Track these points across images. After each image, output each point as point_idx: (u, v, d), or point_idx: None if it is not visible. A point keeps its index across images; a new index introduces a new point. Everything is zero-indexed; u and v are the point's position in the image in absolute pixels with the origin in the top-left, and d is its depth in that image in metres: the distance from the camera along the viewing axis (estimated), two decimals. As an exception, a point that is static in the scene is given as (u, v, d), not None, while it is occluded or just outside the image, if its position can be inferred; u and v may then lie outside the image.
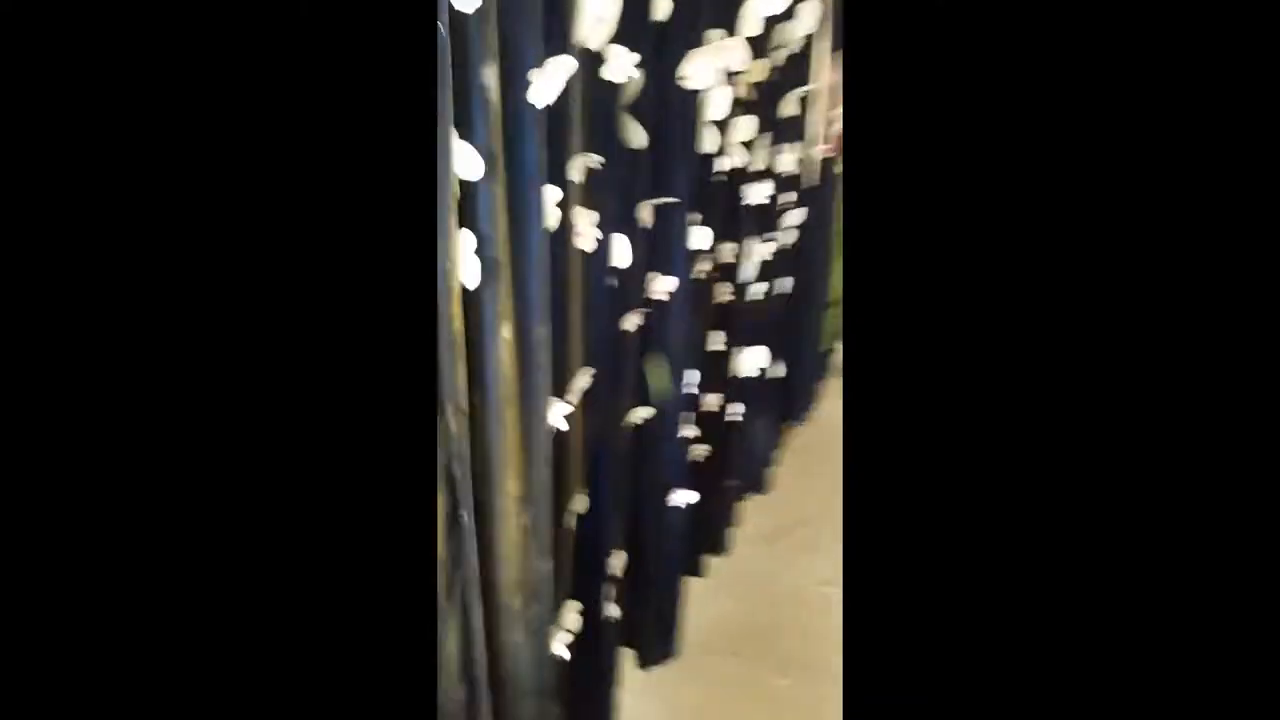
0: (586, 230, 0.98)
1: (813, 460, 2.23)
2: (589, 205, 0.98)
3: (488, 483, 0.85)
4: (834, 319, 2.68)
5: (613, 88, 0.97)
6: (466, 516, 0.80)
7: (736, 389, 1.70)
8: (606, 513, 1.13)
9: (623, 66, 0.94)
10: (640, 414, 1.25)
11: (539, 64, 0.78)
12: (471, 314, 0.79)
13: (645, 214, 1.12)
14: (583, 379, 1.02)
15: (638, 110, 1.03)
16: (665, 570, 1.41)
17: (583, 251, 0.99)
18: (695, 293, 1.33)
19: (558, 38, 0.83)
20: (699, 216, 1.26)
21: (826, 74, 2.01)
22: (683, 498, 1.39)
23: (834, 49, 2.00)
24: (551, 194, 0.88)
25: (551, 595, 1.00)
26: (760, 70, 1.50)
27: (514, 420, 0.87)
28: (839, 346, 2.96)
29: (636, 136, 1.04)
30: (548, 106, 0.81)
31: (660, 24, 1.06)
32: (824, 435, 2.37)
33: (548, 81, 0.80)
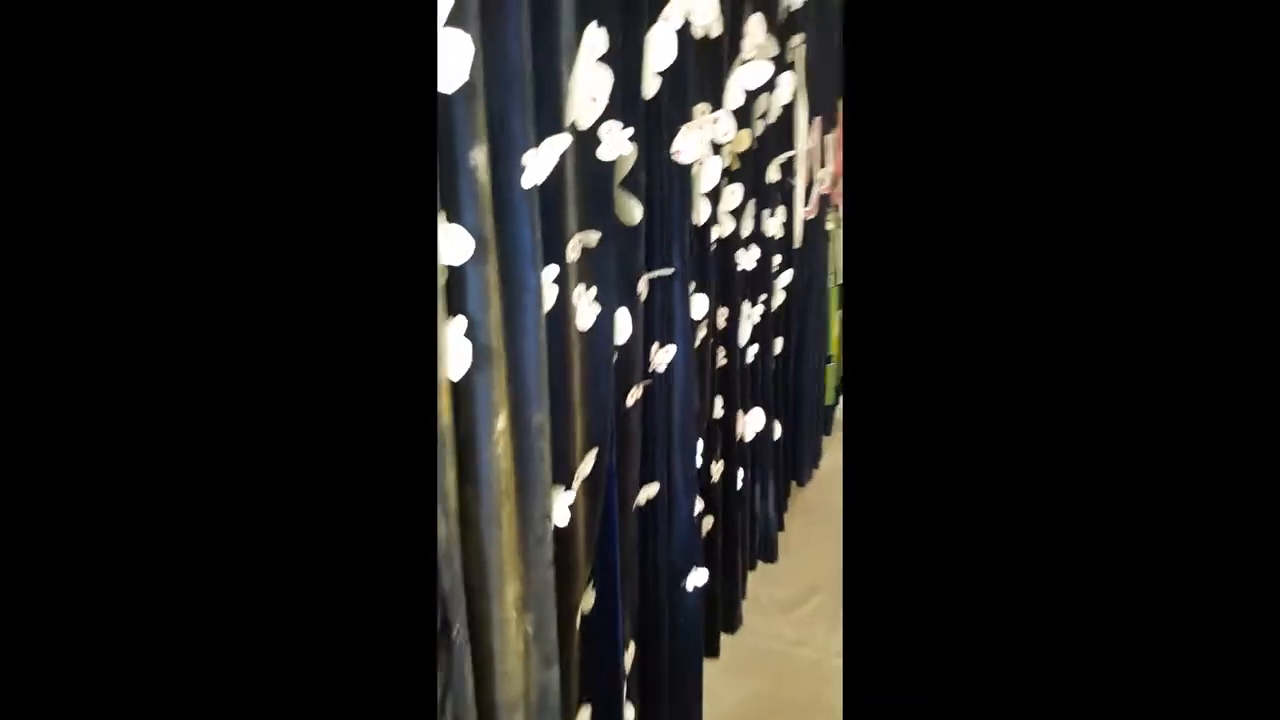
0: (586, 308, 0.92)
1: (820, 520, 2.13)
2: (587, 282, 0.92)
3: (483, 592, 0.75)
4: (833, 374, 2.63)
5: (607, 165, 0.93)
6: (459, 630, 0.70)
7: (740, 454, 1.61)
8: (617, 606, 1.02)
9: (616, 143, 0.90)
10: (648, 493, 1.16)
11: (530, 143, 0.73)
12: (463, 405, 0.71)
13: (643, 286, 1.07)
14: (586, 464, 0.94)
15: (632, 185, 0.99)
16: (682, 657, 1.29)
17: (580, 330, 0.92)
18: (694, 359, 1.26)
19: (549, 116, 0.78)
20: (693, 284, 1.21)
21: (804, 140, 2.02)
22: (697, 578, 1.28)
23: (810, 117, 2.03)
24: (548, 274, 0.82)
25: (559, 705, 0.88)
26: (744, 140, 1.49)
27: (511, 518, 0.77)
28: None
29: (633, 212, 0.99)
30: (540, 185, 0.76)
31: (650, 101, 1.03)
32: (830, 495, 2.27)
33: (541, 161, 0.75)
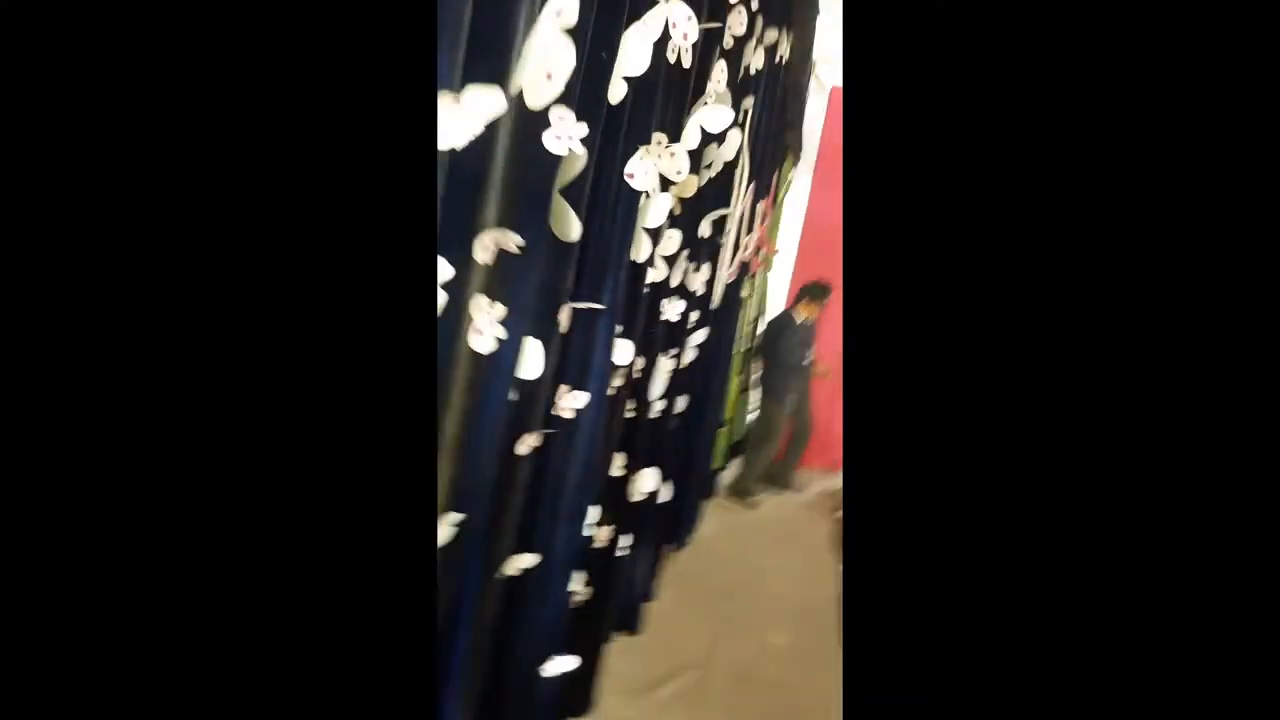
0: (487, 328, 0.69)
1: (692, 589, 1.95)
2: (494, 296, 0.70)
3: None
4: (726, 436, 2.52)
5: (550, 161, 0.72)
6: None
7: (628, 518, 1.41)
8: (461, 698, 0.76)
9: (568, 136, 0.70)
10: (520, 563, 0.91)
11: (454, 88, 0.51)
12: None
13: (565, 315, 0.85)
14: (444, 528, 0.69)
15: (575, 195, 0.78)
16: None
17: (477, 353, 0.69)
18: (606, 410, 1.05)
19: (484, 69, 0.57)
20: (620, 328, 1.01)
21: (738, 201, 1.94)
22: (559, 665, 1.03)
23: (749, 180, 1.95)
24: (444, 270, 0.59)
25: None
26: (691, 185, 1.35)
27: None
28: (733, 463, 2.80)
29: (570, 226, 0.78)
30: (457, 153, 0.53)
31: (614, 109, 0.84)
32: (704, 561, 2.11)
33: (464, 119, 0.53)
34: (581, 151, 0.74)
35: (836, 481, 2.84)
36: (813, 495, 2.83)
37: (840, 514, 2.66)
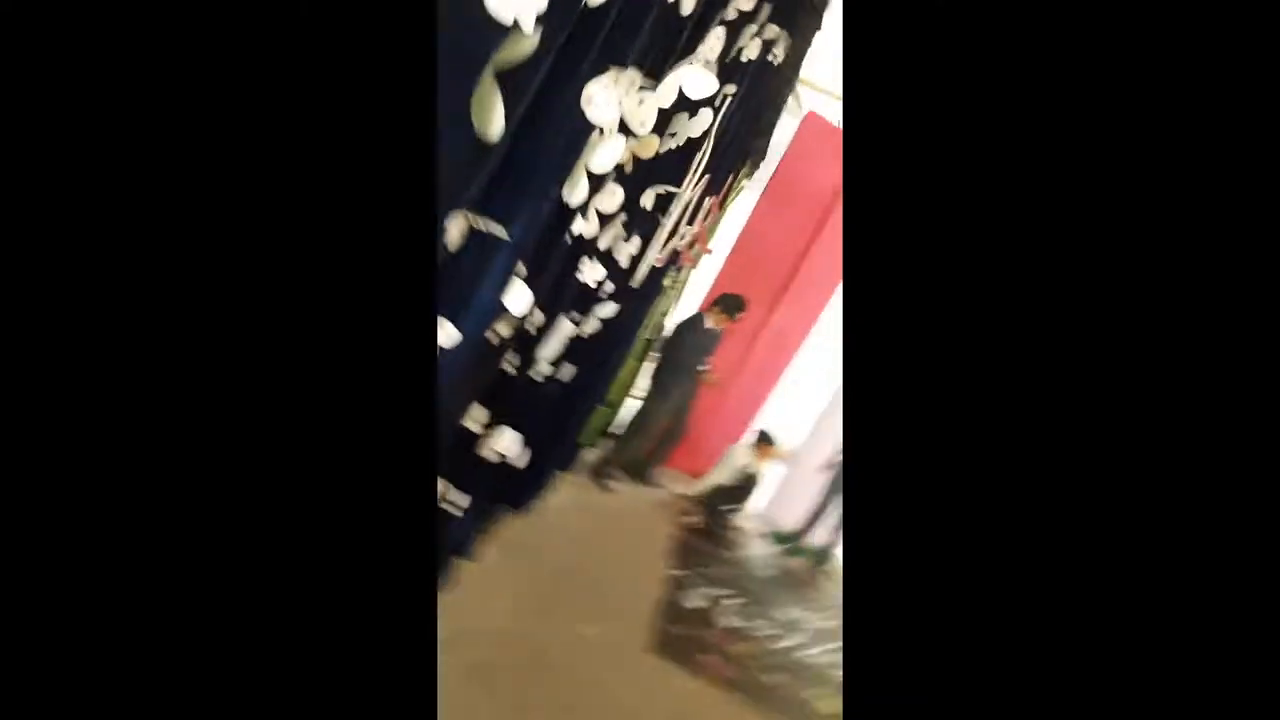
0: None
1: (515, 558, 1.84)
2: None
3: None
4: (602, 416, 2.42)
5: (490, 32, 0.55)
6: None
7: (470, 476, 1.26)
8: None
9: (521, 16, 0.53)
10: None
11: None
12: None
13: (457, 228, 0.68)
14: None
15: (511, 86, 0.61)
16: None
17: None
18: (475, 357, 0.89)
19: None
20: (525, 272, 0.85)
21: (690, 186, 1.82)
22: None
23: (705, 171, 1.84)
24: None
25: None
26: (650, 146, 1.21)
27: None
28: (601, 444, 2.71)
29: (493, 119, 0.61)
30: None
31: (592, 12, 0.68)
32: (539, 533, 2.01)
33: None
34: (531, 32, 0.58)
35: (694, 486, 2.85)
36: (667, 495, 2.83)
37: (689, 520, 2.67)
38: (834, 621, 2.37)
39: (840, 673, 1.96)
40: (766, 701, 1.68)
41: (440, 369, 0.79)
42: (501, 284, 0.78)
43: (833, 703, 1.79)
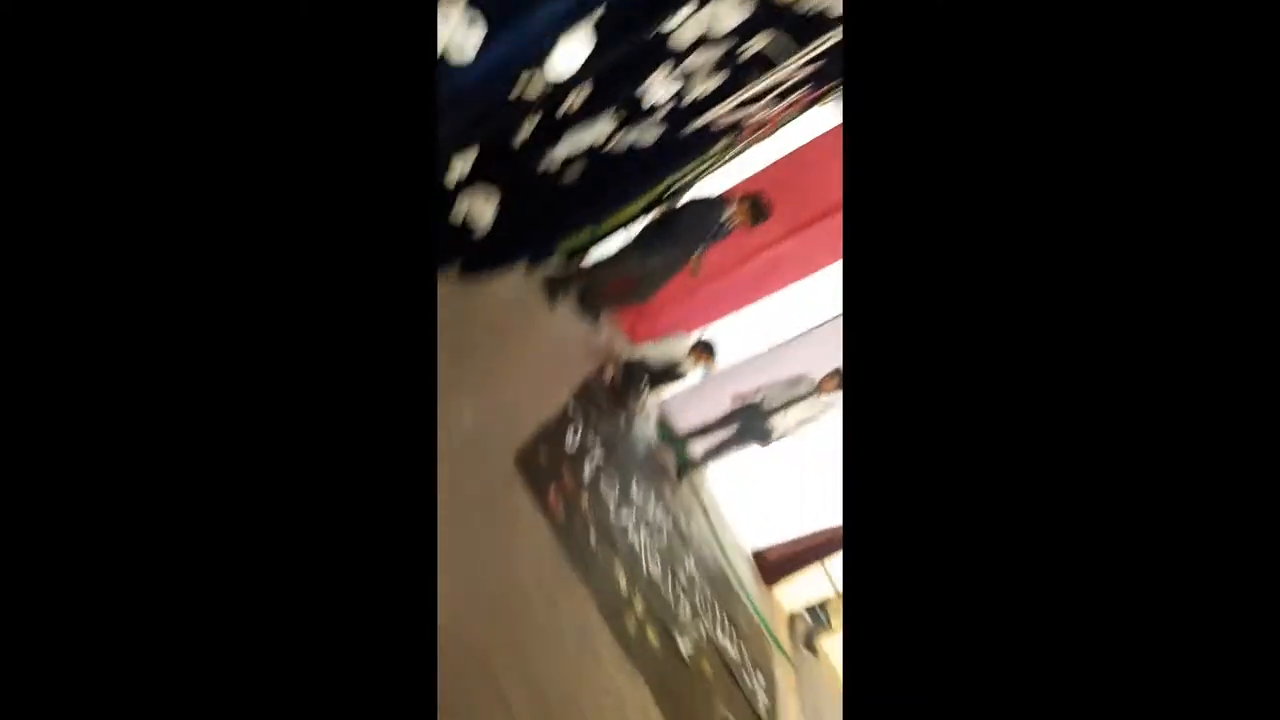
0: None
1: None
2: None
3: None
4: (584, 236, 2.32)
5: None
6: None
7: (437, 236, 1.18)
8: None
9: None
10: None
11: None
12: None
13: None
14: None
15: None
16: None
17: None
18: (499, 89, 0.79)
19: None
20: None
21: (790, 73, 1.64)
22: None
23: (816, 68, 1.64)
24: None
25: None
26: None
27: None
28: (568, 265, 2.62)
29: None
30: None
31: None
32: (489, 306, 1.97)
33: None
34: None
35: (627, 350, 2.87)
36: (601, 342, 2.85)
37: (607, 373, 2.73)
38: (684, 525, 2.55)
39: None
40: (585, 568, 1.60)
41: (446, 79, 0.69)
42: (568, 18, 0.66)
43: (641, 595, 1.85)
